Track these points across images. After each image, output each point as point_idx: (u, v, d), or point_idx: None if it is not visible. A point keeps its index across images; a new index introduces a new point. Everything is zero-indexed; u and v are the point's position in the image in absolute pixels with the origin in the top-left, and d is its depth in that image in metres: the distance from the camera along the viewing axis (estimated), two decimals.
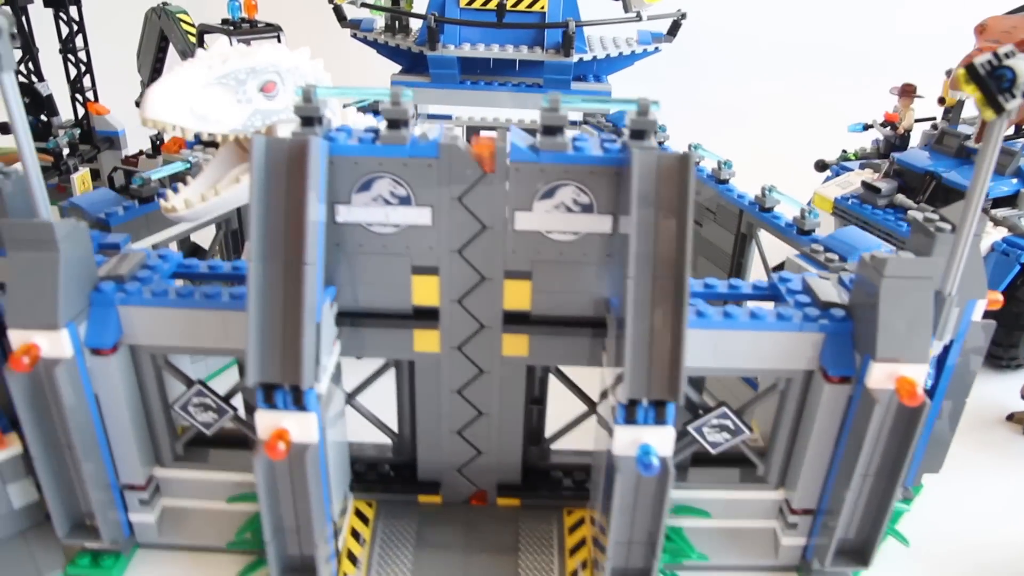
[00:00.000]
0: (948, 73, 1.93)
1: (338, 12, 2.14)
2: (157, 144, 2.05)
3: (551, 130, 1.05)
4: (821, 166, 2.23)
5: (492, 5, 1.95)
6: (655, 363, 1.01)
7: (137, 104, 1.94)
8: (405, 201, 1.06)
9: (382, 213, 1.07)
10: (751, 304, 1.20)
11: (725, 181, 1.76)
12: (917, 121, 2.10)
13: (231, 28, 1.58)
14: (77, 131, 2.17)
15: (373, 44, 2.12)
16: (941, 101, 1.97)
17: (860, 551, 1.21)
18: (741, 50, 2.09)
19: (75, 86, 2.29)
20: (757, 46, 2.32)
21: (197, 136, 1.74)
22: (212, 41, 1.61)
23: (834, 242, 1.41)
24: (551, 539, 1.26)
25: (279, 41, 1.64)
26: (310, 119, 1.03)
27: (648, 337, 1.00)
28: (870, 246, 1.40)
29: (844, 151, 2.20)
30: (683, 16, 2.04)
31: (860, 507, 1.16)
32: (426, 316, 1.15)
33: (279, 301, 0.99)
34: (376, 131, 1.06)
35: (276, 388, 1.00)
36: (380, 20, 2.12)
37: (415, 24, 2.08)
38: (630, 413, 1.02)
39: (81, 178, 2.14)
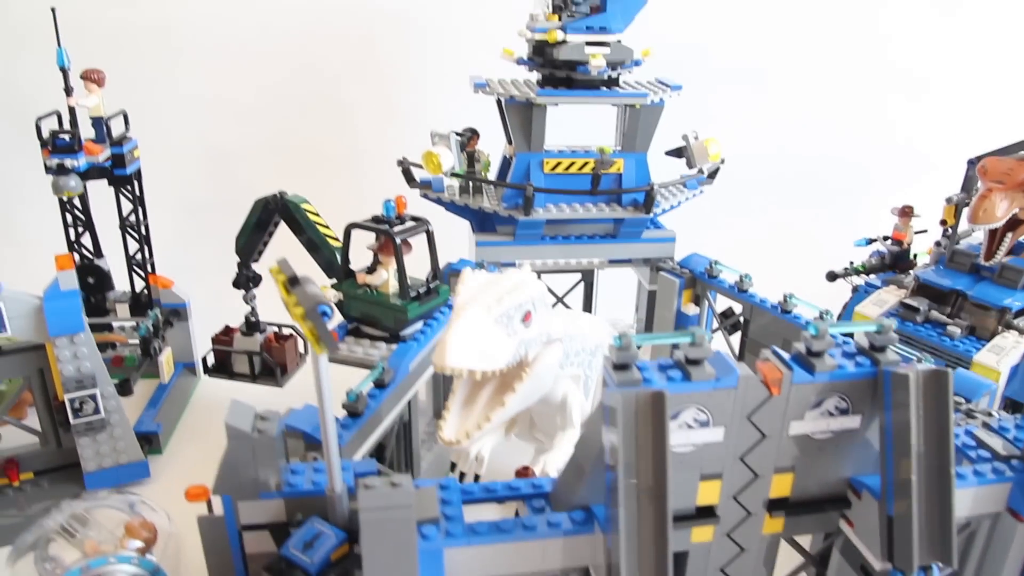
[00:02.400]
0: (948, 200, 2.29)
1: (407, 174, 2.26)
2: (252, 321, 2.07)
3: (818, 353, 1.25)
4: (832, 277, 2.55)
5: (575, 169, 2.13)
6: (925, 533, 1.23)
7: (235, 286, 1.99)
8: (704, 424, 1.23)
9: (685, 436, 1.23)
10: None
11: (745, 291, 2.05)
12: (916, 233, 2.46)
13: (386, 226, 1.68)
14: (157, 311, 2.16)
15: (444, 203, 2.25)
16: (943, 223, 2.33)
17: None
18: (742, 165, 2.38)
19: (133, 260, 2.27)
20: (756, 161, 2.61)
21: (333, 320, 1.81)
22: (360, 236, 1.70)
23: (958, 383, 1.69)
24: None
25: (428, 233, 1.75)
26: (626, 365, 1.18)
27: (920, 513, 1.22)
28: (982, 385, 1.69)
29: (851, 263, 2.53)
30: (723, 162, 2.30)
31: None
32: (704, 514, 1.31)
33: (636, 530, 1.13)
34: (677, 366, 1.22)
35: None
36: (449, 181, 2.25)
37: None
38: None
39: (167, 359, 2.13)
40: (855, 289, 2.51)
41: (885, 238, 2.52)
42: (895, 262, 2.50)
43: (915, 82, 3.46)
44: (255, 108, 3.08)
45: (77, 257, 2.25)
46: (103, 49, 2.32)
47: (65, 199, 2.16)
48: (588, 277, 2.47)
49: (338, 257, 1.82)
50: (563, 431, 1.60)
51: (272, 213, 1.90)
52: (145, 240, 2.27)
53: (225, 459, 1.28)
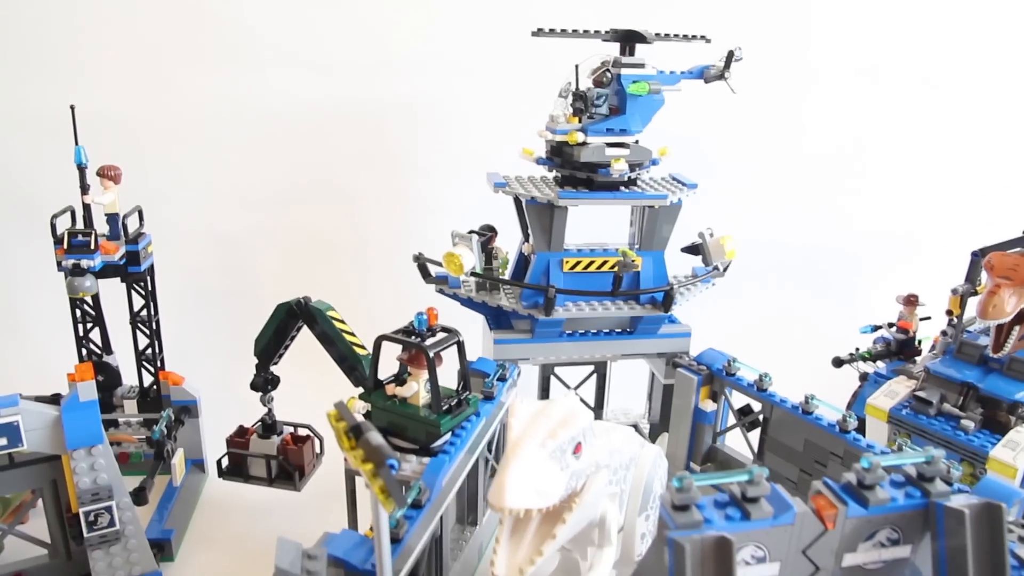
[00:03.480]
0: (954, 291, 2.34)
1: (423, 270, 2.26)
2: (269, 423, 2.04)
3: (870, 487, 1.26)
4: (838, 363, 2.58)
5: (594, 268, 2.15)
6: None
7: (253, 389, 1.96)
8: (761, 560, 1.22)
9: (742, 573, 1.22)
10: None
11: (764, 390, 2.06)
12: (921, 320, 2.51)
13: (417, 340, 1.66)
14: (170, 412, 2.11)
15: (460, 299, 2.25)
16: (949, 313, 2.37)
17: None
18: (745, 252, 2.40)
19: (143, 355, 2.24)
20: (749, 248, 2.62)
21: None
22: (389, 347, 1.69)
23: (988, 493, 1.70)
24: None
25: (459, 344, 1.74)
26: (686, 506, 1.17)
27: None
28: (1013, 494, 1.71)
29: (857, 349, 2.56)
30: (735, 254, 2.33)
31: None
32: None
33: None
34: (734, 503, 1.22)
35: None
36: (466, 277, 2.24)
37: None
38: None
39: (179, 461, 2.09)
40: (863, 377, 2.54)
41: (890, 325, 2.57)
42: (900, 349, 2.54)
43: (901, 168, 3.56)
44: (263, 197, 3.07)
45: (85, 353, 2.20)
46: (108, 138, 2.30)
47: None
48: (601, 368, 2.47)
49: (365, 367, 1.80)
50: (600, 548, 1.58)
51: (295, 319, 1.88)
52: (156, 335, 2.24)
53: None
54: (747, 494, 1.21)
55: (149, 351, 2.24)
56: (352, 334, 1.85)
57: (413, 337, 1.69)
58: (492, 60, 3.04)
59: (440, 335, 1.72)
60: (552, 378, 2.43)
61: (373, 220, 3.11)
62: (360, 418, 1.11)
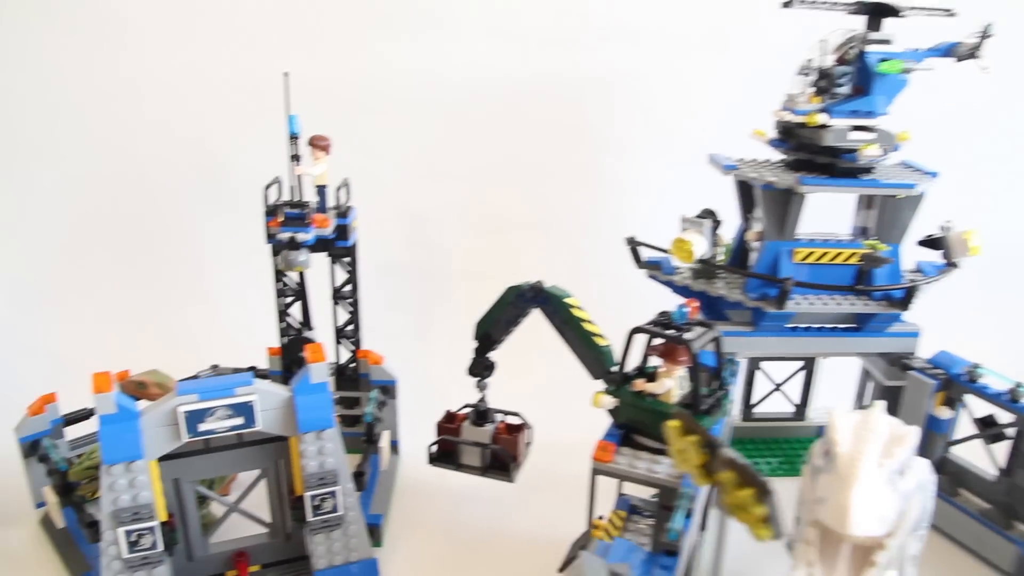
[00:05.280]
0: None
1: (635, 253, 2.15)
2: (482, 410, 1.96)
3: None
4: None
5: (827, 260, 2.00)
6: None
7: (471, 374, 1.89)
8: None
9: None
10: None
11: (1017, 401, 1.86)
12: None
13: (676, 334, 1.56)
14: (377, 393, 2.06)
15: (674, 287, 2.13)
16: None
17: None
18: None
19: (342, 332, 2.18)
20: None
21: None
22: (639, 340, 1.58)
23: None
24: None
25: (717, 340, 1.63)
26: None
27: None
28: None
29: None
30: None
31: None
32: None
33: None
34: None
35: None
36: (677, 263, 2.12)
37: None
38: None
39: (387, 444, 2.04)
40: None
41: None
42: None
43: None
44: (455, 173, 2.97)
45: (284, 326, 2.15)
46: (301, 107, 2.21)
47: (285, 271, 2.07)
48: (809, 364, 2.33)
49: (608, 358, 1.70)
50: (882, 571, 1.46)
51: (526, 304, 1.79)
52: (356, 312, 2.18)
53: None
54: None
55: (349, 328, 2.18)
56: (591, 322, 1.74)
57: (671, 330, 1.58)
58: (678, 32, 2.88)
59: (697, 329, 1.61)
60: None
61: (565, 199, 2.98)
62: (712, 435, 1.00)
